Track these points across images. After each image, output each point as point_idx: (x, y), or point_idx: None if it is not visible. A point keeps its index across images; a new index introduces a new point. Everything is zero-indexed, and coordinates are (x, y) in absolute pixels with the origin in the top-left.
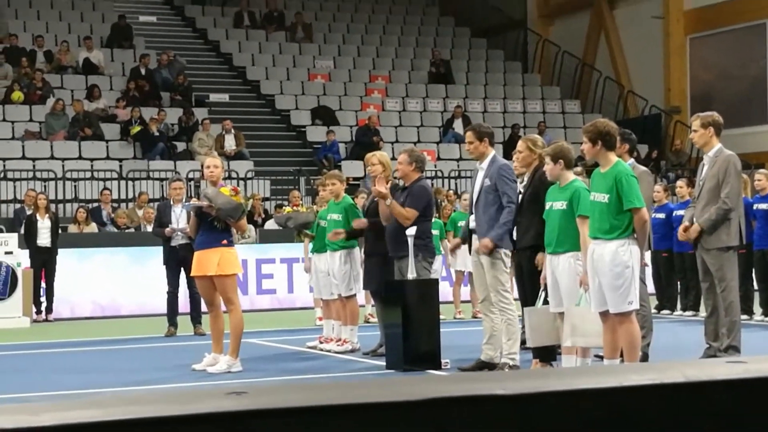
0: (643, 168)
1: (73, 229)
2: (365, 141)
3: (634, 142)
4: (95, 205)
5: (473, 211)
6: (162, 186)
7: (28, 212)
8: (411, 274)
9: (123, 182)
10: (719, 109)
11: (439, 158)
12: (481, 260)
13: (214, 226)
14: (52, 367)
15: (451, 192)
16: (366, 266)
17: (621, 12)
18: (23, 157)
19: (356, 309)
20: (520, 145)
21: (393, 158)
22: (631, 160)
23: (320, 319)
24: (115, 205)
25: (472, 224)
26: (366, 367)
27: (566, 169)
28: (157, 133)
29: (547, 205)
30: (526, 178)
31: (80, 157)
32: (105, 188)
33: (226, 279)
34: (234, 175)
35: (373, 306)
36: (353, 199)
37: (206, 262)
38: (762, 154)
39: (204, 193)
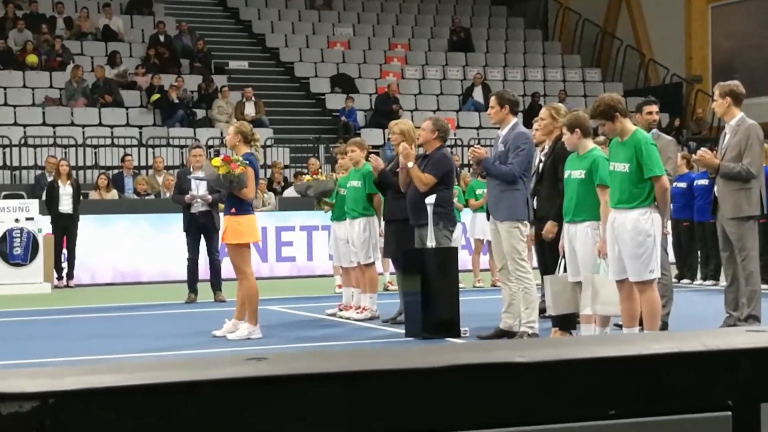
0: (669, 138)
1: (94, 195)
2: (384, 109)
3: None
4: (116, 172)
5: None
6: (182, 153)
7: (49, 179)
8: (431, 242)
9: (143, 149)
10: (741, 77)
11: (458, 126)
12: (498, 228)
13: (227, 195)
14: (73, 332)
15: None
16: (386, 233)
17: None
18: (44, 124)
19: (375, 277)
20: (543, 112)
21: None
22: (655, 130)
23: (339, 286)
24: (135, 172)
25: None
26: (385, 334)
27: (583, 137)
28: (176, 101)
29: (566, 174)
30: (547, 147)
31: (100, 124)
32: (126, 155)
33: (233, 248)
34: None
35: (391, 273)
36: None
37: (222, 229)
38: None
39: None
